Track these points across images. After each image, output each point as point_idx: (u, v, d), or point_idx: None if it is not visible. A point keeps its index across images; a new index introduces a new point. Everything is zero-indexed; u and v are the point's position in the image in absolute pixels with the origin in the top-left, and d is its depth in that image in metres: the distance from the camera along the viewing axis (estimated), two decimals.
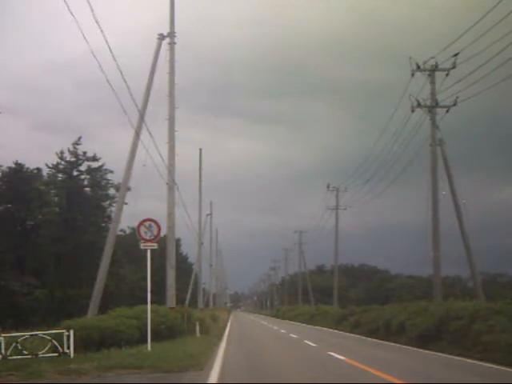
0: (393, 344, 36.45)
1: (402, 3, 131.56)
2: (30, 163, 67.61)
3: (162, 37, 42.75)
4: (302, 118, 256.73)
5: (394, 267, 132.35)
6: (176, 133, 42.18)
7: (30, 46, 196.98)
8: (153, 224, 26.96)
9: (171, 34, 42.52)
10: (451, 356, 27.82)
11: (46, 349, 24.05)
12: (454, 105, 43.65)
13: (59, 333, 24.94)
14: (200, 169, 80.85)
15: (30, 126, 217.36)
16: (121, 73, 25.75)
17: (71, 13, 18.82)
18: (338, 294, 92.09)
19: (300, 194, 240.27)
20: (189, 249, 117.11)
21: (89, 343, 26.80)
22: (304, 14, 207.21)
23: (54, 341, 24.24)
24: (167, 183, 41.20)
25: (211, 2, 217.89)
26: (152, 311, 28.11)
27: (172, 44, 42.41)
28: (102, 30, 21.65)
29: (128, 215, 52.87)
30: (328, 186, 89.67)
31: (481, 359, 25.36)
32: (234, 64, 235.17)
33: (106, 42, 22.92)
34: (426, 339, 33.14)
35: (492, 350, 25.69)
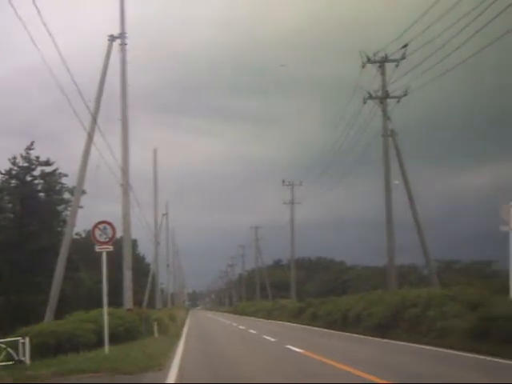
0: (350, 334, 36.83)
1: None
2: None
3: (112, 38, 42.42)
4: (272, 115, 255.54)
5: (351, 259, 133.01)
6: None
7: None
8: (107, 226, 26.77)
9: (122, 35, 42.24)
10: (407, 343, 28.20)
11: (1, 357, 23.85)
12: (405, 95, 44.19)
13: (15, 340, 24.76)
14: (155, 169, 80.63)
15: None
16: (71, 75, 25.75)
17: (19, 18, 18.78)
18: (295, 287, 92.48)
19: (263, 191, 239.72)
20: (146, 250, 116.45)
21: (46, 349, 26.62)
22: (279, 12, 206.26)
23: (9, 349, 24.05)
24: (121, 184, 41.08)
25: (185, 1, 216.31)
26: (109, 314, 27.98)
27: (123, 45, 42.16)
28: (50, 34, 21.58)
29: (85, 218, 52.60)
30: (283, 181, 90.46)
31: (436, 345, 25.73)
32: (207, 63, 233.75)
33: (56, 45, 22.86)
34: (383, 328, 33.55)
35: (447, 335, 26.16)
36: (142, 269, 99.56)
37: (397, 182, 45.61)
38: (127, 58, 42.23)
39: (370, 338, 33.34)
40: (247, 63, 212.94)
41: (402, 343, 28.79)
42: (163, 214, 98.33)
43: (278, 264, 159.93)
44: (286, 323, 60.61)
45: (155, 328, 40.35)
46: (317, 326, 48.12)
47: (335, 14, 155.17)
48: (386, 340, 31.13)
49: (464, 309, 27.49)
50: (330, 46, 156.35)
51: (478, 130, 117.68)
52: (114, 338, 29.21)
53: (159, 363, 22.57)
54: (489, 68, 76.87)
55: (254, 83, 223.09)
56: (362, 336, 34.90)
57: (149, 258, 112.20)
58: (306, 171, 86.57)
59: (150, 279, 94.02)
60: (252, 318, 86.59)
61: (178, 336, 43.12)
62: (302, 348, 26.89)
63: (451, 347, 24.30)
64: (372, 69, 45.21)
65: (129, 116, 42.03)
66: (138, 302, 60.95)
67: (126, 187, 41.44)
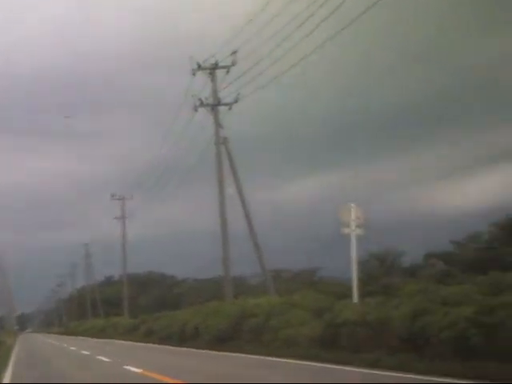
0: (190, 349, 35.38)
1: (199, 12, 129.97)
2: None
3: None
4: (103, 131, 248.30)
5: (184, 272, 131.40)
6: None
7: None
8: None
9: None
10: (250, 355, 27.04)
11: None
12: (236, 102, 43.51)
13: None
14: None
15: None
16: None
17: None
18: (128, 303, 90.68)
19: (95, 208, 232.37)
20: None
21: None
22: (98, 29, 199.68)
23: None
24: None
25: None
26: None
27: None
28: None
29: None
30: (113, 196, 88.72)
31: (281, 355, 24.56)
32: (32, 79, 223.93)
33: None
34: (223, 340, 32.41)
35: (293, 344, 25.09)
36: None
37: (230, 190, 44.75)
38: None
39: (210, 351, 32.06)
40: (72, 79, 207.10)
41: (244, 355, 27.61)
42: None
43: (109, 280, 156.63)
44: (121, 341, 58.63)
45: None
46: (153, 343, 46.54)
47: (166, 26, 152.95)
48: (226, 353, 29.89)
49: (309, 316, 26.63)
50: (163, 59, 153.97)
51: (312, 137, 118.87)
52: None
53: None
54: (318, 75, 77.92)
55: (84, 99, 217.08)
56: (201, 350, 33.51)
57: None
58: (138, 185, 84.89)
59: None
60: (84, 338, 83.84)
61: (5, 362, 40.46)
62: (140, 367, 25.29)
63: (298, 357, 23.19)
64: (203, 76, 44.39)
65: None
66: None
67: None
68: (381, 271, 67.18)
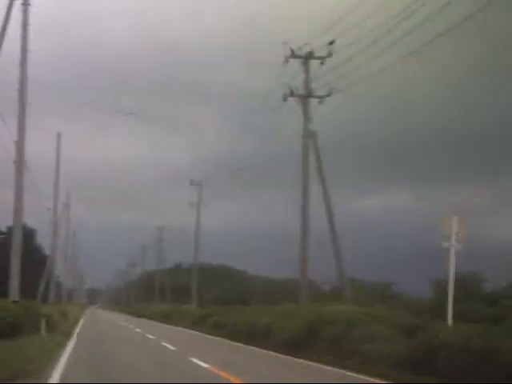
0: (262, 350, 32.79)
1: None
2: None
3: None
4: (185, 119, 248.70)
5: (254, 269, 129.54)
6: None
7: None
8: None
9: None
10: (327, 367, 24.49)
11: None
12: (328, 95, 41.31)
13: None
14: (58, 155, 76.33)
15: None
16: None
17: None
18: (197, 293, 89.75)
19: (173, 193, 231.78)
20: (47, 243, 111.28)
21: None
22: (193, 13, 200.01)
23: None
24: (14, 162, 36.76)
25: None
26: None
27: (26, 5, 37.90)
28: None
29: None
30: (191, 182, 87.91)
31: (362, 372, 21.97)
32: (122, 63, 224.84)
33: None
34: (296, 345, 30.05)
35: (373, 360, 22.62)
36: (39, 260, 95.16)
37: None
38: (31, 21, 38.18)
39: (281, 355, 29.66)
40: (162, 66, 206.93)
41: (320, 366, 24.88)
42: (64, 204, 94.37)
43: (178, 267, 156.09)
44: (187, 330, 57.09)
45: (43, 325, 36.40)
46: (220, 336, 44.55)
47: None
48: (300, 360, 27.45)
49: (395, 332, 24.25)
50: (245, 48, 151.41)
51: (404, 143, 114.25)
52: None
53: (37, 369, 18.92)
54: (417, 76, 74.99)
55: (169, 87, 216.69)
56: (273, 353, 31.02)
57: (48, 251, 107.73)
58: (217, 176, 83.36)
59: (46, 271, 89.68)
60: (150, 321, 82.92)
61: (68, 335, 39.33)
62: (206, 362, 23.49)
63: (381, 376, 20.62)
64: (295, 65, 42.31)
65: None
66: (32, 295, 57.42)
67: (20, 165, 37.16)
68: (460, 294, 64.04)
